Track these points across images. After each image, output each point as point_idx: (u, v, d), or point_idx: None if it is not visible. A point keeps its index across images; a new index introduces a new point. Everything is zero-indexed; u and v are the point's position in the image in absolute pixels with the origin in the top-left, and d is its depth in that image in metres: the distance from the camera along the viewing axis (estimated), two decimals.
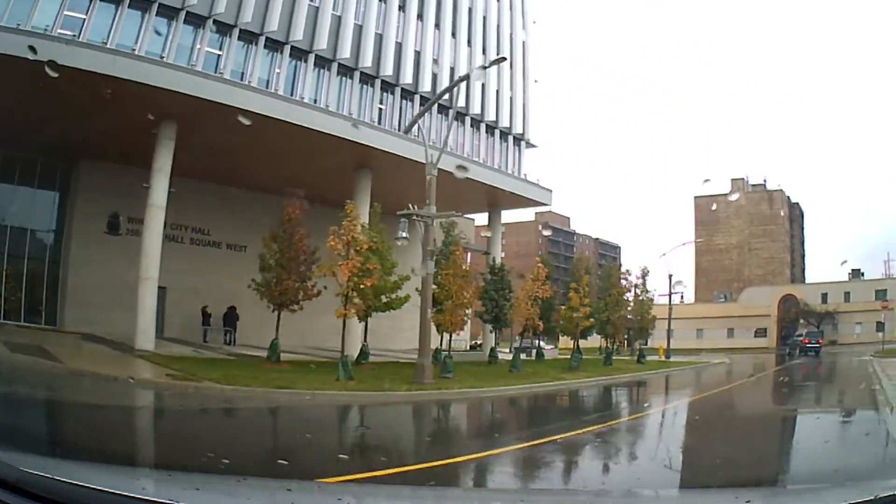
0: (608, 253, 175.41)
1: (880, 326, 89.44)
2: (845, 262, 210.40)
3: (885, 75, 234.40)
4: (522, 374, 36.29)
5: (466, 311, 38.90)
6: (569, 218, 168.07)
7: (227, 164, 39.98)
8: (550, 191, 57.23)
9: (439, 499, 6.94)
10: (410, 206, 31.32)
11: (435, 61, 50.69)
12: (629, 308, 54.02)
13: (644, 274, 55.86)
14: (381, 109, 47.32)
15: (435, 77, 50.63)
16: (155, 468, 9.01)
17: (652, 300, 57.33)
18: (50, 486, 3.96)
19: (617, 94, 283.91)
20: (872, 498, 4.15)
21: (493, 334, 50.81)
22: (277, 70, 42.09)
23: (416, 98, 49.39)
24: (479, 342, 60.99)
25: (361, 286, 29.86)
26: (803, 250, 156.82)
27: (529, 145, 60.45)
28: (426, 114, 45.64)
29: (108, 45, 33.59)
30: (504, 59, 49.36)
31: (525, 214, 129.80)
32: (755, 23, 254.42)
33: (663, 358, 62.46)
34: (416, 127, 38.96)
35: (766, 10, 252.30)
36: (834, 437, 16.98)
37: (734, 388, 38.78)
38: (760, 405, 29.79)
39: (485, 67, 45.64)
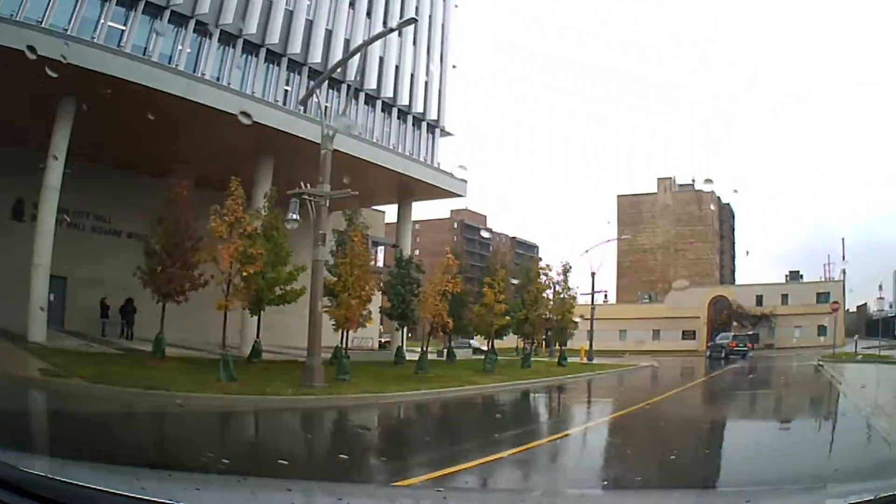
0: (526, 252, 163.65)
1: (822, 330, 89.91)
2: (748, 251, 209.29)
3: (821, 76, 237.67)
4: (429, 378, 34.34)
5: (367, 306, 35.19)
6: (485, 216, 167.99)
7: (130, 148, 38.06)
8: (465, 181, 56.46)
9: (439, 499, 6.69)
10: (302, 184, 29.36)
11: (347, 41, 48.74)
12: (549, 306, 51.71)
13: (566, 270, 52.95)
14: (286, 91, 45.57)
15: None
16: (155, 468, 7.39)
17: (574, 298, 54.60)
18: (50, 486, 3.95)
19: (541, 88, 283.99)
20: (872, 498, 4.09)
21: (400, 332, 48.54)
22: (180, 47, 40.63)
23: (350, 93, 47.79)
24: (388, 340, 58.54)
25: (244, 273, 27.99)
26: (734, 252, 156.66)
27: (444, 133, 59.37)
28: (344, 100, 46.57)
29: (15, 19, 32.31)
30: (414, 20, 47.36)
31: (441, 211, 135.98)
32: (685, 16, 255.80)
33: (585, 360, 61.35)
34: (316, 104, 37.92)
35: (695, 5, 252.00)
36: None
37: (673, 397, 33.84)
38: (711, 425, 23.60)
39: (384, 34, 44.37)
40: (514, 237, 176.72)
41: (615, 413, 27.41)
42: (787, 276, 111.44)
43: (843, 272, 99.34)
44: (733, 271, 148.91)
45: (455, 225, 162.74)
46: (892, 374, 39.22)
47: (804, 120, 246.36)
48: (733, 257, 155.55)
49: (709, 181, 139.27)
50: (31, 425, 16.45)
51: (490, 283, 43.50)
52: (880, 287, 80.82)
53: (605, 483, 12.80)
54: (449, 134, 59.91)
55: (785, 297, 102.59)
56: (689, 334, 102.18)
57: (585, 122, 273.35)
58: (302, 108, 41.95)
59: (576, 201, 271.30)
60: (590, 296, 69.56)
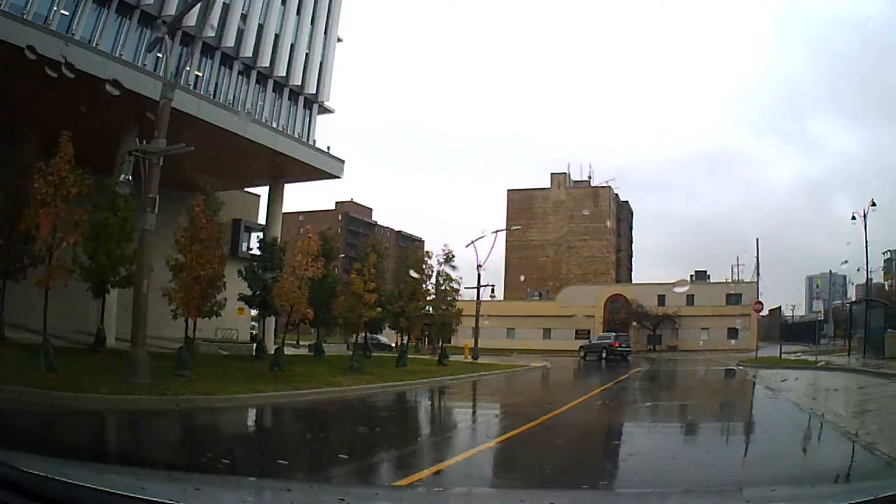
0: (409, 246, 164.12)
1: (733, 333, 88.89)
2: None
3: (727, 75, 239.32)
4: (285, 376, 30.59)
5: (218, 291, 31.67)
6: (371, 209, 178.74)
7: None
8: (342, 161, 54.13)
9: (439, 500, 6.83)
10: (137, 140, 26.14)
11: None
12: (429, 298, 48.17)
13: (448, 258, 49.06)
14: (158, 58, 40.83)
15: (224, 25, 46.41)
16: (155, 468, 8.13)
17: (456, 290, 50.79)
18: (50, 486, 3.98)
19: (435, 79, 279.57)
20: (872, 498, 4.10)
21: (261, 322, 46.02)
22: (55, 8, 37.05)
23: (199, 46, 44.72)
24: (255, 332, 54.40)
25: (65, 244, 25.02)
26: (631, 251, 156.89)
27: (323, 110, 56.47)
28: (218, 69, 45.79)
29: None
30: None
31: (326, 202, 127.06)
32: (579, 10, 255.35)
33: (469, 359, 58.26)
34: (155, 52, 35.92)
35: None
36: None
37: (578, 409, 25.10)
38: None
39: None
40: (399, 231, 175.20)
41: (504, 434, 18.26)
42: (692, 276, 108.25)
43: (757, 273, 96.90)
44: (630, 270, 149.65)
45: (340, 217, 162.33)
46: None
47: (705, 125, 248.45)
48: (630, 256, 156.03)
49: (611, 180, 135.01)
50: None
51: (359, 269, 39.74)
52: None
53: None
54: (329, 111, 57.36)
55: (690, 297, 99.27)
56: (582, 334, 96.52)
57: (482, 116, 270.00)
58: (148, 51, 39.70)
59: (468, 197, 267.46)
60: (476, 290, 66.27)
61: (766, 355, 58.68)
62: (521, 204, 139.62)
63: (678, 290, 77.96)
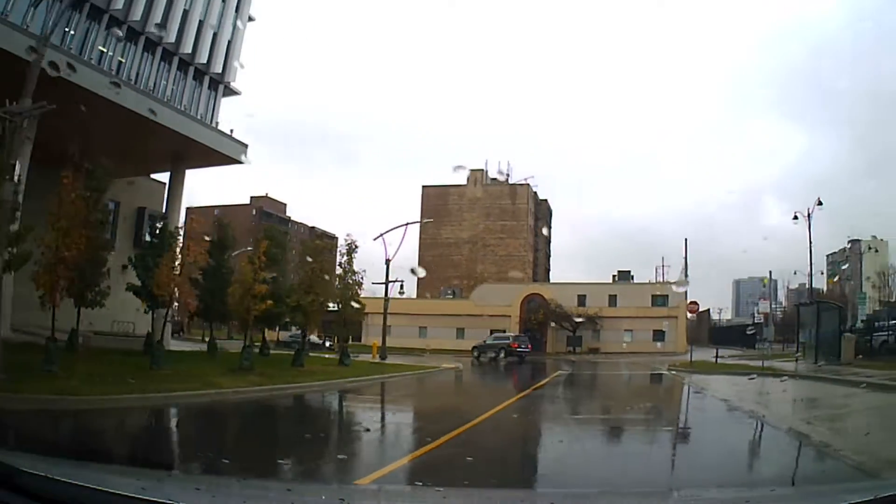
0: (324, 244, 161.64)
1: (659, 335, 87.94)
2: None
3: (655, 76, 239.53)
4: (161, 375, 27.23)
5: (98, 278, 29.90)
6: (285, 204, 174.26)
7: None
8: (245, 145, 51.52)
9: (440, 499, 6.53)
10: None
11: None
12: (332, 291, 44.04)
13: (350, 250, 45.18)
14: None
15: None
16: (155, 468, 8.35)
17: (360, 284, 46.04)
18: (50, 486, 4.06)
19: (355, 74, 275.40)
20: (872, 498, 4.18)
21: (151, 314, 39.78)
22: None
23: (105, 19, 42.31)
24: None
25: None
26: (549, 251, 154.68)
27: (229, 91, 54.10)
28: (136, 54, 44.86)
29: None
30: None
31: (240, 196, 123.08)
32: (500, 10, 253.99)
33: (377, 358, 55.43)
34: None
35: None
36: None
37: (498, 420, 21.21)
38: None
39: None
40: (313, 227, 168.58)
41: (388, 466, 12.94)
42: (614, 276, 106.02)
43: (686, 274, 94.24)
44: (548, 271, 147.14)
45: (254, 211, 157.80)
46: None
47: (626, 129, 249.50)
48: (549, 256, 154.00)
49: (529, 178, 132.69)
50: None
51: (250, 257, 36.59)
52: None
53: None
54: (235, 92, 54.41)
55: (613, 298, 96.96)
56: (498, 332, 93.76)
57: (402, 114, 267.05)
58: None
59: (386, 196, 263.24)
60: (384, 286, 65.00)
61: (699, 359, 54.63)
62: (436, 201, 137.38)
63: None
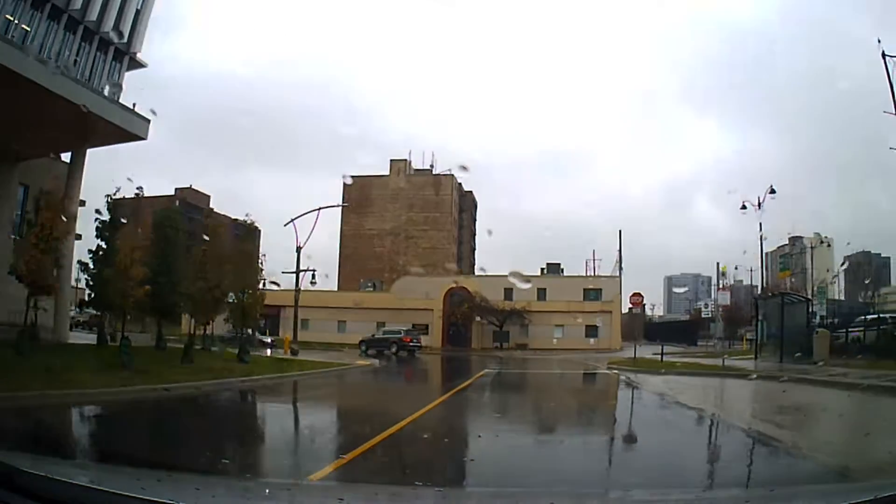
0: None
1: (593, 331, 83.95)
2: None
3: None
4: (26, 370, 22.08)
5: None
6: (209, 196, 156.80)
7: None
8: (147, 120, 45.79)
9: (440, 499, 6.54)
10: None
11: None
12: (227, 278, 37.89)
13: (250, 229, 43.45)
14: None
15: None
16: (154, 468, 6.73)
17: (261, 270, 41.04)
18: (50, 486, 4.06)
19: (282, 61, 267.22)
20: (872, 498, 4.15)
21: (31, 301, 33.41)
22: None
23: None
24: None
25: None
26: (474, 244, 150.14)
27: (135, 63, 48.80)
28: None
29: None
30: None
31: (163, 187, 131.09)
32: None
33: (288, 354, 50.30)
34: None
35: None
36: None
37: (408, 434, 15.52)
38: None
39: None
40: (236, 219, 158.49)
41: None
42: (542, 269, 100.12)
43: (620, 266, 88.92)
44: (473, 265, 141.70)
45: (178, 203, 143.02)
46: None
47: (556, 125, 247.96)
48: (473, 250, 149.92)
49: (454, 167, 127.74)
50: None
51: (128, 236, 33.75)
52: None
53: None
54: (141, 65, 49.49)
55: (542, 291, 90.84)
56: (420, 328, 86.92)
57: (327, 106, 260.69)
58: None
59: (314, 190, 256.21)
60: (295, 275, 61.54)
61: (641, 356, 48.91)
62: (359, 191, 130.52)
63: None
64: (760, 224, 56.71)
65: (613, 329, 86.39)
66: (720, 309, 68.72)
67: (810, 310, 41.33)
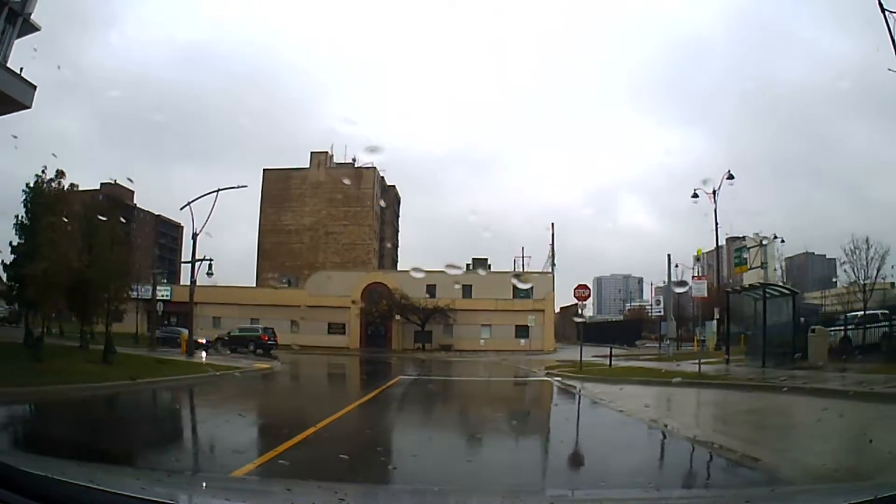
0: (170, 232, 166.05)
1: (523, 331, 77.14)
2: None
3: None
4: None
5: None
6: (133, 191, 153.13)
7: None
8: (33, 86, 40.69)
9: (440, 498, 6.62)
10: None
11: None
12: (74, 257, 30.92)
13: (115, 204, 38.92)
14: None
15: None
16: (155, 468, 8.67)
17: (121, 247, 36.71)
18: (50, 486, 4.01)
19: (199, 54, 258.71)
20: (872, 498, 4.09)
21: None
22: None
23: None
24: None
25: None
26: (397, 240, 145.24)
27: (29, 27, 42.80)
28: None
29: None
30: None
31: (88, 181, 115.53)
32: None
33: (185, 354, 45.03)
34: None
35: None
36: None
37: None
38: None
39: None
40: (159, 215, 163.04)
41: None
42: (468, 264, 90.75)
43: (553, 263, 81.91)
44: (396, 262, 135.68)
45: (102, 197, 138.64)
46: None
47: (479, 124, 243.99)
48: (397, 246, 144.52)
49: (374, 151, 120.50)
50: None
51: None
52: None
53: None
54: (35, 28, 43.67)
55: (468, 288, 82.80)
56: (336, 328, 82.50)
57: (249, 101, 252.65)
58: None
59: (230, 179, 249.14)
60: (190, 265, 57.04)
61: (584, 360, 40.84)
62: (277, 185, 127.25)
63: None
64: (716, 211, 52.79)
65: (546, 329, 79.67)
66: (675, 304, 61.15)
67: (796, 305, 33.96)
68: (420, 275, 74.65)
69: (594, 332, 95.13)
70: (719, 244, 58.97)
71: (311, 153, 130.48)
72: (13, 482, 3.90)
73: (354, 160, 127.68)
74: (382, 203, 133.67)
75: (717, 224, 53.76)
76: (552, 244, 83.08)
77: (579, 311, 46.05)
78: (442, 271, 79.99)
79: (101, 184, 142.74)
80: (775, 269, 55.37)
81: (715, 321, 65.71)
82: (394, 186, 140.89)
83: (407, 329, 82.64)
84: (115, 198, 35.27)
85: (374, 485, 9.18)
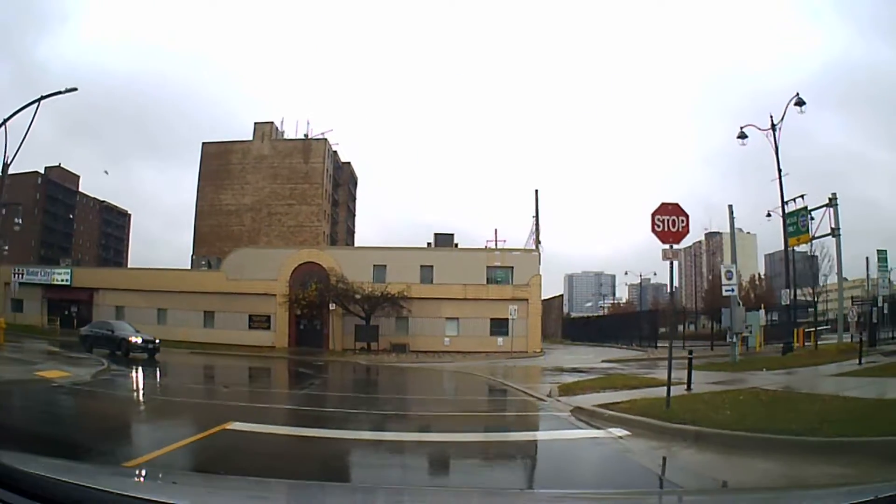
0: (115, 220, 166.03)
1: (499, 327, 57.78)
2: None
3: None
4: None
5: None
6: (79, 177, 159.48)
7: None
8: None
9: (440, 496, 6.26)
10: None
11: None
12: None
13: None
14: None
15: None
16: (155, 468, 8.40)
17: None
18: (50, 486, 3.87)
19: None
20: (872, 498, 3.98)
21: None
22: None
23: None
24: None
25: None
26: (353, 225, 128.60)
27: None
28: None
29: None
30: None
31: (25, 164, 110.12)
32: None
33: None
34: None
35: None
36: None
37: None
38: None
39: None
40: (104, 202, 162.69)
41: None
42: (429, 243, 70.29)
43: (537, 239, 62.57)
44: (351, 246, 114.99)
45: (39, 181, 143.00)
46: None
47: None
48: (352, 232, 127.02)
49: (328, 132, 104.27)
50: None
51: None
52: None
53: None
54: None
55: (428, 270, 62.19)
56: (259, 321, 61.87)
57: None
58: None
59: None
60: None
61: (608, 368, 30.41)
62: (217, 161, 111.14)
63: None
64: (777, 148, 38.61)
65: (531, 324, 58.38)
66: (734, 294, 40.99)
67: None
68: (367, 254, 58.61)
69: (582, 329, 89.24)
70: (783, 197, 41.52)
71: (255, 124, 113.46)
72: (13, 482, 3.70)
73: (306, 136, 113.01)
74: (334, 183, 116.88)
75: (780, 171, 38.93)
76: (536, 215, 63.66)
77: (670, 262, 19.18)
78: (396, 247, 62.18)
79: (46, 167, 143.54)
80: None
81: (761, 311, 51.66)
82: (349, 164, 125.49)
83: (347, 322, 59.95)
84: None
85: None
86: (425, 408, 21.69)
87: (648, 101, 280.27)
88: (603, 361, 39.91)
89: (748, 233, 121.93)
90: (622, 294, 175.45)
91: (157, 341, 42.95)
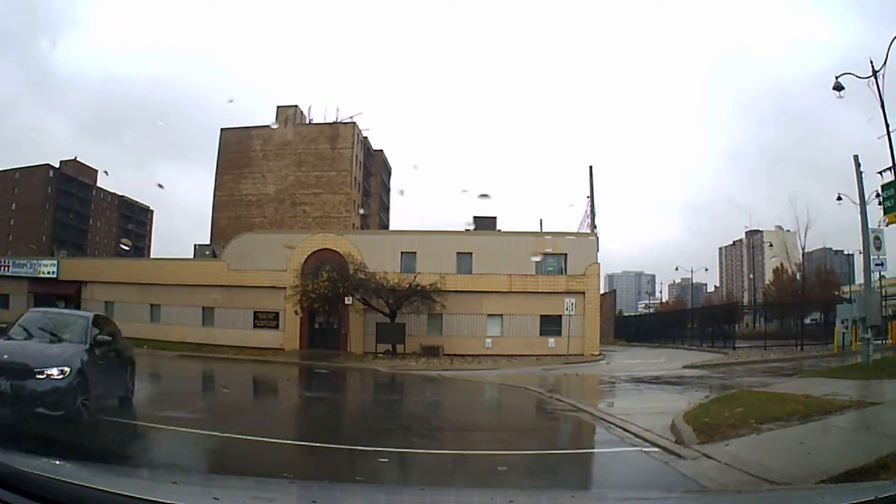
0: (135, 216, 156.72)
1: (551, 325, 48.29)
2: None
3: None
4: None
5: None
6: (97, 171, 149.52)
7: None
8: None
9: (440, 496, 6.26)
10: None
11: None
12: None
13: None
14: None
15: None
16: (155, 468, 8.71)
17: None
18: (50, 486, 3.90)
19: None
20: (873, 498, 4.03)
21: None
22: None
23: None
24: None
25: None
26: (385, 217, 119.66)
27: None
28: None
29: None
30: None
31: (34, 157, 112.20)
32: None
33: None
34: None
35: None
36: None
37: None
38: None
39: None
40: (122, 196, 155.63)
41: None
42: (468, 227, 59.02)
43: (593, 223, 53.58)
44: None
45: (51, 174, 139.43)
46: None
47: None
48: (385, 226, 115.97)
49: (357, 115, 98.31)
50: None
51: None
52: None
53: None
54: None
55: (466, 258, 51.89)
56: (266, 319, 52.87)
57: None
58: None
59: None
60: None
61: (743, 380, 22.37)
62: (236, 148, 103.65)
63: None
64: (882, 98, 30.14)
65: (588, 322, 48.64)
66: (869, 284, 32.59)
67: None
68: (394, 240, 50.55)
69: (633, 328, 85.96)
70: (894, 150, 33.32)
71: (278, 107, 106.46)
72: (13, 482, 3.73)
73: (337, 118, 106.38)
74: (365, 171, 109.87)
75: (887, 126, 30.07)
76: (591, 196, 54.72)
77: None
78: (428, 230, 52.95)
79: (61, 161, 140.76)
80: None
81: (851, 303, 42.28)
82: (381, 151, 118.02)
83: (369, 320, 50.44)
84: None
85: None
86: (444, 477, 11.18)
87: (685, 100, 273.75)
88: (684, 367, 34.28)
89: (787, 230, 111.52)
90: (662, 294, 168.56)
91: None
